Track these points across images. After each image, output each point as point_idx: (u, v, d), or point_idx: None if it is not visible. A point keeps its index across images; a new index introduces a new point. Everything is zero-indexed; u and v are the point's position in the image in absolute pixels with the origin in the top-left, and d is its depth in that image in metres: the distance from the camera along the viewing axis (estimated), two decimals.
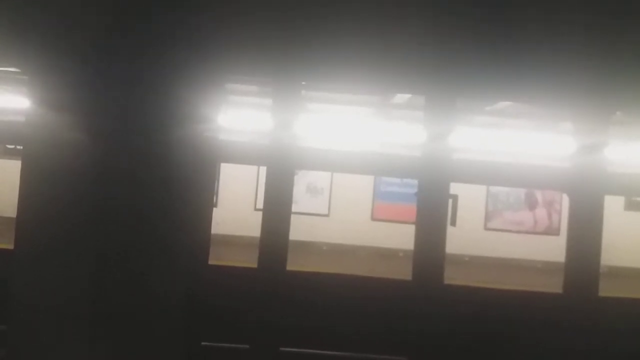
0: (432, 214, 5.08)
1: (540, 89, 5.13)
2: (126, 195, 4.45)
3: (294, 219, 5.12)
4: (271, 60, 4.97)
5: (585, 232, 5.05)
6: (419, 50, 4.90)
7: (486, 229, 12.45)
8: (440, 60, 4.93)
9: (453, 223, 11.63)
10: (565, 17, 4.88)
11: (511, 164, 5.52)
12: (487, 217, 12.49)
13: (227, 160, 5.54)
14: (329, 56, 4.90)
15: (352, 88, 6.87)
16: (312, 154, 5.28)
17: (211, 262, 5.07)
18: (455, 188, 5.38)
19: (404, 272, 5.26)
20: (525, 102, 7.22)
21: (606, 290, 5.14)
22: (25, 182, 4.55)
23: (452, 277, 5.27)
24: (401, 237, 9.60)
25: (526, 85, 5.12)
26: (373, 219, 12.50)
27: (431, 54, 4.92)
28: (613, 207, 8.65)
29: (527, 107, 7.82)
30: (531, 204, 12.51)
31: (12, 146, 11.62)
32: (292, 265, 5.11)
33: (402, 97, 8.03)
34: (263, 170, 5.85)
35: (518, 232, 12.40)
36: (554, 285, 5.27)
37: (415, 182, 5.34)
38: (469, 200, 11.88)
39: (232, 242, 10.18)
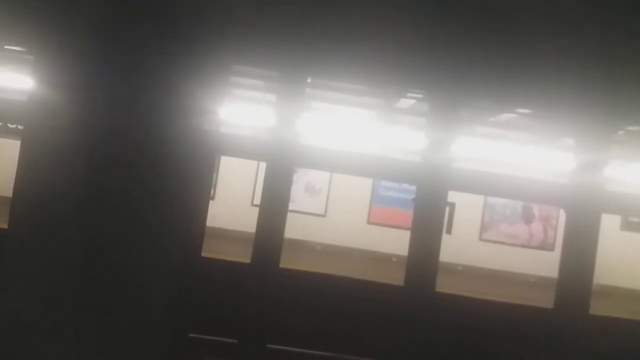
0: (429, 221, 5.07)
1: (544, 103, 5.14)
2: (122, 184, 4.44)
3: (290, 217, 5.11)
4: (277, 55, 4.96)
5: (579, 249, 5.05)
6: (427, 55, 4.90)
7: (481, 239, 12.42)
8: (446, 67, 4.93)
9: (449, 231, 11.62)
10: (574, 34, 4.88)
11: (510, 176, 5.51)
12: (483, 228, 12.44)
13: (226, 154, 5.53)
14: (337, 54, 4.89)
15: (357, 87, 6.85)
16: (312, 152, 5.27)
17: (204, 254, 5.06)
18: (452, 196, 5.37)
19: (396, 277, 5.25)
20: (529, 116, 7.21)
21: (597, 308, 5.14)
22: (23, 164, 4.54)
23: (445, 285, 5.26)
24: (396, 242, 9.57)
25: (530, 98, 5.13)
26: (369, 222, 12.45)
27: (438, 60, 4.92)
28: (609, 225, 8.66)
29: (529, 121, 7.80)
30: (527, 218, 12.47)
31: (14, 125, 11.59)
32: (284, 263, 5.09)
33: (405, 102, 8.00)
34: (263, 166, 5.84)
35: (513, 245, 12.37)
36: (546, 301, 5.26)
37: (414, 188, 5.33)
38: (466, 209, 11.86)
39: (226, 236, 10.15)
